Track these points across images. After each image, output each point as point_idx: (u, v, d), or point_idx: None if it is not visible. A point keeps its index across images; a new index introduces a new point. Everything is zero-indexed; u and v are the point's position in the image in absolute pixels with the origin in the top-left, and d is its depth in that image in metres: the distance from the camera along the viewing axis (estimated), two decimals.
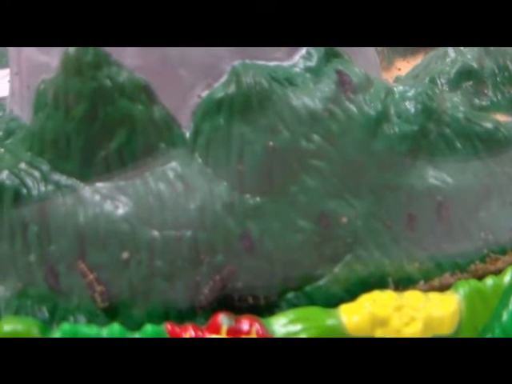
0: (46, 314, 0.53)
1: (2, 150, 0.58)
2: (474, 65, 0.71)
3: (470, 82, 0.71)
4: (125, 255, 0.53)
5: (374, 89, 0.58)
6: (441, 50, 0.76)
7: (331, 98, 0.55)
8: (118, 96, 0.54)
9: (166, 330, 0.49)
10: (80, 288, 0.53)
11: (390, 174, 0.57)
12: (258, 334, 0.49)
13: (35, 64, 0.58)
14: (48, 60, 0.57)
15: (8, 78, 0.78)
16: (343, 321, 0.50)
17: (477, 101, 0.69)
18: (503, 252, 0.58)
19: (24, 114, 0.61)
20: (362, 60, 0.61)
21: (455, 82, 0.70)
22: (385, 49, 0.86)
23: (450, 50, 0.73)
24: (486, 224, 0.58)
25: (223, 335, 0.49)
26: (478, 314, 0.52)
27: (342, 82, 0.56)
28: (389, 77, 0.80)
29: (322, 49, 0.57)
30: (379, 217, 0.56)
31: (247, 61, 0.56)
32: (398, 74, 0.81)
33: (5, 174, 0.55)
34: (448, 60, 0.73)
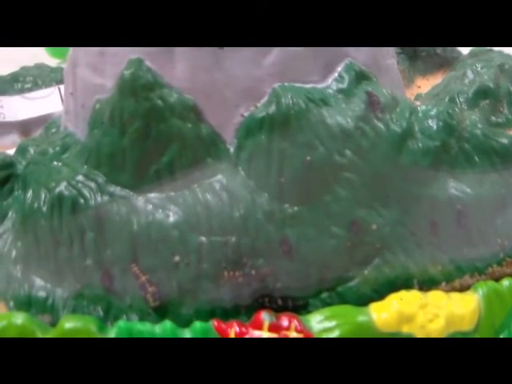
0: (101, 313, 0.55)
1: (60, 163, 0.59)
2: (491, 85, 0.72)
3: (487, 101, 0.72)
4: (175, 259, 0.53)
5: (399, 108, 0.59)
6: (459, 71, 0.77)
7: (361, 117, 0.56)
8: (169, 115, 0.55)
9: (213, 326, 0.50)
10: (133, 289, 0.54)
11: (414, 185, 0.57)
12: (296, 329, 0.50)
13: (90, 85, 0.59)
14: (102, 81, 0.58)
15: (51, 96, 0.82)
16: (373, 317, 0.51)
17: (493, 118, 0.70)
18: None
19: (78, 131, 0.61)
20: (388, 80, 0.62)
21: (473, 101, 0.71)
22: (406, 68, 0.86)
23: (469, 72, 0.74)
24: (502, 231, 0.59)
25: (265, 331, 0.50)
26: (495, 313, 0.53)
27: (371, 102, 0.57)
28: (410, 94, 0.81)
29: (352, 72, 0.58)
30: (405, 224, 0.56)
31: (286, 83, 0.56)
32: (419, 92, 0.82)
33: (63, 185, 0.56)
34: (466, 81, 0.74)
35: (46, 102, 0.87)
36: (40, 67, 0.98)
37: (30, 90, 0.91)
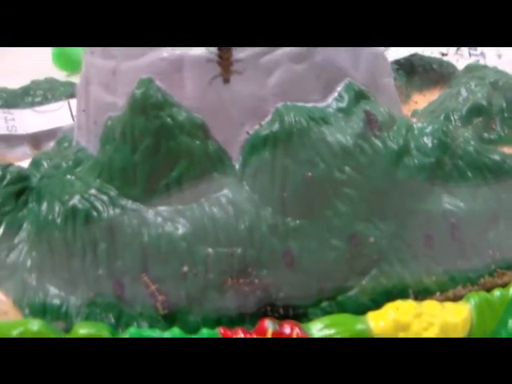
0: (113, 320, 0.55)
1: (73, 177, 0.60)
2: (484, 103, 0.73)
3: (480, 118, 0.72)
4: (184, 269, 0.54)
5: (396, 126, 0.59)
6: (454, 89, 0.77)
7: (360, 135, 0.57)
8: (179, 132, 0.56)
9: (220, 333, 0.51)
10: (143, 297, 0.55)
11: (410, 199, 0.57)
12: (298, 336, 0.51)
13: (102, 103, 0.61)
14: (114, 100, 0.59)
15: (61, 110, 0.84)
16: (371, 326, 0.51)
17: (486, 135, 0.71)
18: (509, 268, 0.59)
19: (90, 146, 0.62)
20: (386, 99, 0.63)
21: (467, 119, 0.72)
22: (403, 84, 0.87)
23: (463, 90, 0.75)
24: (494, 243, 0.59)
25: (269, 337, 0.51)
26: (486, 321, 0.54)
27: (370, 120, 0.58)
28: (407, 109, 0.82)
29: (352, 92, 0.59)
30: (401, 237, 0.57)
31: (288, 103, 0.57)
32: (415, 107, 0.82)
33: (77, 198, 0.57)
34: (460, 98, 0.74)
35: (56, 116, 0.88)
36: (50, 81, 0.99)
37: (40, 103, 0.92)
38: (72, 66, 1.32)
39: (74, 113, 0.79)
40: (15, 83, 0.97)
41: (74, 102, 0.84)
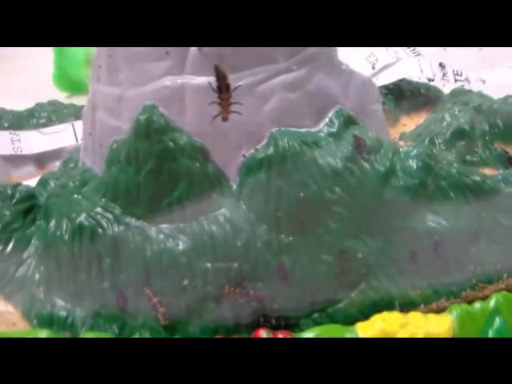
0: (116, 331, 0.57)
1: (80, 196, 0.62)
2: (466, 127, 0.75)
3: (463, 142, 0.74)
4: (184, 282, 0.56)
5: (383, 149, 0.61)
6: (439, 114, 0.80)
7: (349, 158, 0.59)
8: (180, 155, 0.57)
9: None
10: (145, 309, 0.56)
11: (396, 218, 0.59)
12: None
13: (107, 127, 0.63)
14: (119, 124, 0.61)
15: (65, 132, 0.86)
16: (359, 335, 0.53)
17: (468, 157, 0.73)
18: (489, 282, 0.61)
19: (96, 167, 0.64)
20: (374, 124, 0.65)
21: (450, 142, 0.74)
22: (392, 107, 0.89)
23: (446, 115, 0.77)
24: (475, 259, 0.60)
25: None
26: (467, 332, 0.55)
27: (358, 144, 0.60)
28: (395, 132, 0.84)
29: (342, 118, 0.61)
30: (388, 253, 0.59)
31: (283, 128, 0.59)
32: (403, 130, 0.85)
33: (83, 216, 0.58)
34: (444, 123, 0.77)
35: (60, 137, 0.90)
36: (53, 103, 1.02)
37: (44, 125, 0.94)
38: (72, 86, 1.35)
39: (78, 134, 0.86)
40: (20, 105, 1.00)
41: (77, 123, 0.89)
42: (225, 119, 0.59)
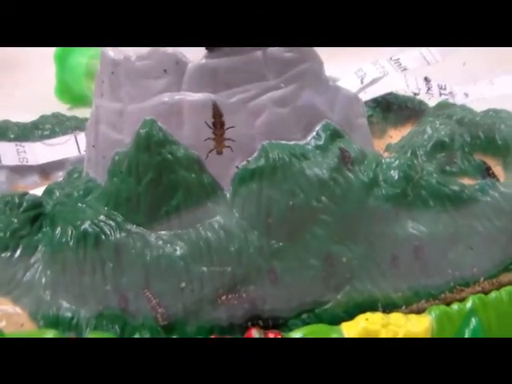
0: (118, 331, 0.58)
1: (84, 205, 0.64)
2: (446, 140, 0.78)
3: (443, 153, 0.77)
4: (181, 285, 0.57)
5: (367, 161, 0.63)
6: (422, 127, 0.82)
7: (335, 169, 0.61)
8: (177, 167, 0.59)
9: None
10: (145, 310, 0.58)
11: (378, 225, 0.61)
12: None
13: (110, 140, 0.65)
14: (121, 137, 0.64)
15: (68, 143, 0.88)
16: (344, 335, 0.55)
17: (448, 168, 0.75)
18: (466, 285, 0.62)
19: (99, 177, 0.66)
20: (359, 137, 0.68)
21: (431, 153, 0.76)
22: (379, 120, 0.91)
23: (428, 128, 0.79)
24: (453, 263, 0.62)
25: None
26: (445, 331, 0.57)
27: (343, 156, 0.62)
28: (382, 143, 0.86)
29: (328, 131, 0.64)
30: (371, 257, 0.61)
31: (273, 141, 0.61)
32: (390, 142, 0.86)
33: (87, 223, 0.60)
34: (426, 136, 0.79)
35: (63, 148, 0.92)
36: (57, 116, 1.04)
37: (48, 136, 0.96)
38: (74, 99, 1.37)
39: (81, 146, 0.88)
40: (24, 117, 1.02)
41: (80, 135, 0.92)
42: (219, 153, 0.62)
